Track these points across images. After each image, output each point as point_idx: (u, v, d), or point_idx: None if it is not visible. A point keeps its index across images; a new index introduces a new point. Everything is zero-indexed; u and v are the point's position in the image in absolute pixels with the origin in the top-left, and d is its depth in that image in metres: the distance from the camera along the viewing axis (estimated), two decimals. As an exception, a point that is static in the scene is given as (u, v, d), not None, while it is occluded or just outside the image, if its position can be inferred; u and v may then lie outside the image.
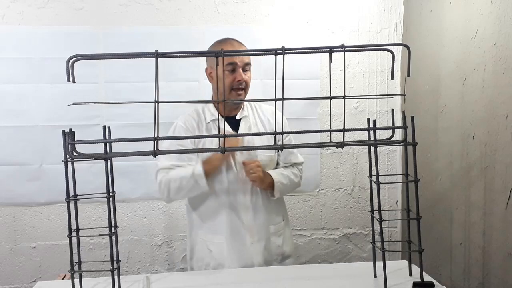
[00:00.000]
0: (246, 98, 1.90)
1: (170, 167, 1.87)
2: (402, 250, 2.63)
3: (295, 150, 2.02)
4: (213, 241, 1.90)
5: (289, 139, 1.98)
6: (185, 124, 1.91)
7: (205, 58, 1.60)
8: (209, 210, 1.90)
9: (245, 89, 1.86)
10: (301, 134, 1.66)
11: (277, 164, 2.01)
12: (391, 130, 1.54)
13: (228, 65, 1.81)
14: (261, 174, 1.86)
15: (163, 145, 1.77)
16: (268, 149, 1.47)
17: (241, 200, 1.89)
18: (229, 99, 1.84)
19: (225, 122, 1.88)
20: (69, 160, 1.35)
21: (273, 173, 1.92)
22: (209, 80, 1.93)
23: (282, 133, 1.37)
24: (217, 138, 1.81)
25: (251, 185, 1.88)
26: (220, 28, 2.55)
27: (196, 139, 1.86)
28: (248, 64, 1.87)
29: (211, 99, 1.98)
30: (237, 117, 1.92)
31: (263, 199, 1.92)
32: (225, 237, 1.88)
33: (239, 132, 1.88)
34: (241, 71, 1.83)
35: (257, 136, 1.89)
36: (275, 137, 1.43)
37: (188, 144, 1.84)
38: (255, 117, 1.97)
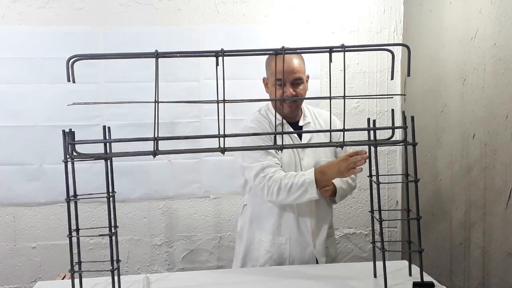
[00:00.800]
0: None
1: (273, 165, 1.82)
2: (402, 250, 2.63)
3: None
4: (275, 243, 1.89)
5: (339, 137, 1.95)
6: (257, 125, 1.88)
7: (206, 58, 1.57)
8: (272, 211, 1.89)
9: (296, 101, 1.85)
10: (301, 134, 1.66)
11: None
12: (391, 130, 1.54)
13: (277, 80, 1.80)
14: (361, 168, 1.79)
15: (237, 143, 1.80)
16: (269, 149, 1.47)
17: (308, 207, 1.88)
18: (281, 111, 1.82)
19: (291, 128, 1.91)
20: (69, 160, 1.35)
21: (335, 180, 1.88)
22: (266, 90, 1.93)
23: (282, 133, 1.37)
24: (265, 134, 1.82)
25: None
26: (220, 28, 2.56)
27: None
28: (299, 78, 1.82)
29: (271, 107, 1.95)
30: (300, 124, 1.93)
31: (324, 204, 1.92)
32: (289, 239, 1.88)
33: (303, 139, 1.89)
34: (288, 85, 1.80)
35: (318, 138, 1.90)
36: (330, 135, 1.42)
37: (261, 142, 1.82)
38: (315, 122, 1.97)
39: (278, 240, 1.90)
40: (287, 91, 1.80)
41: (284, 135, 1.79)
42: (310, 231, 1.89)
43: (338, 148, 1.92)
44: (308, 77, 1.91)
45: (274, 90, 1.83)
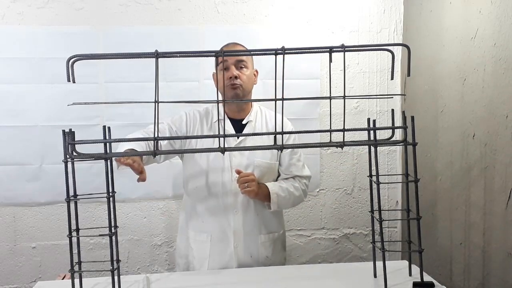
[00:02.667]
0: (250, 98, 1.90)
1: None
2: (402, 250, 2.63)
3: (300, 162, 1.97)
4: (196, 239, 1.90)
5: (293, 141, 1.93)
6: (187, 115, 1.93)
7: (205, 58, 1.59)
8: (200, 209, 1.90)
9: (242, 85, 1.83)
10: (301, 134, 1.66)
11: (278, 175, 1.97)
12: (391, 130, 1.54)
13: (220, 64, 1.81)
14: (256, 188, 1.81)
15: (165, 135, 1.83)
16: (269, 149, 1.46)
17: (233, 202, 1.87)
18: (226, 97, 1.81)
19: (230, 124, 1.88)
20: (69, 160, 1.35)
21: (270, 185, 1.88)
22: (215, 85, 1.87)
23: (282, 133, 1.37)
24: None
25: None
26: (220, 28, 2.56)
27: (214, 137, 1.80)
28: (242, 61, 1.84)
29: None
30: (244, 121, 1.91)
31: (257, 207, 1.90)
32: (210, 236, 1.88)
33: (244, 135, 1.87)
34: (233, 67, 1.81)
35: (260, 140, 1.87)
36: (275, 137, 1.42)
37: (165, 133, 1.86)
38: (262, 123, 1.94)
39: (200, 236, 1.89)
40: (230, 72, 1.80)
41: (220, 128, 1.81)
42: (232, 230, 1.87)
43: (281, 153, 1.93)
44: (257, 71, 1.93)
45: (219, 78, 1.79)
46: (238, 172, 1.82)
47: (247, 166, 1.87)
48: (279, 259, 1.98)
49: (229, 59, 1.80)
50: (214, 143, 1.81)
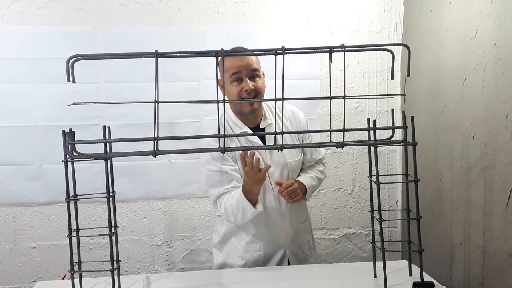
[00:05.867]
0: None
1: (224, 191, 1.79)
2: (402, 250, 2.63)
3: (323, 152, 2.02)
4: (248, 250, 1.87)
5: (310, 139, 1.95)
6: (217, 142, 1.81)
7: (206, 58, 1.56)
8: (245, 224, 1.85)
9: (257, 96, 1.75)
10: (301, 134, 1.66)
11: (303, 163, 1.97)
12: (391, 130, 1.54)
13: (232, 75, 1.73)
14: (301, 195, 1.83)
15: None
16: (269, 149, 1.46)
17: (276, 208, 1.86)
18: (241, 109, 1.79)
19: (254, 134, 1.83)
20: (69, 160, 1.35)
21: (304, 180, 1.88)
22: (221, 91, 1.68)
23: (282, 133, 1.37)
24: (243, 141, 1.81)
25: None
26: (220, 28, 2.56)
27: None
28: (255, 70, 1.75)
29: (230, 110, 1.88)
30: (261, 126, 1.86)
31: (294, 204, 1.91)
32: (263, 246, 1.87)
33: (267, 141, 1.82)
34: (247, 79, 1.73)
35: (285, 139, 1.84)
36: (275, 137, 1.42)
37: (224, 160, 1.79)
38: (278, 123, 1.87)
39: (252, 247, 1.88)
40: (245, 86, 1.72)
41: (247, 142, 1.80)
42: (284, 233, 1.88)
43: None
44: (264, 74, 1.82)
45: (230, 89, 1.73)
46: (279, 183, 1.80)
47: (284, 167, 1.85)
48: (314, 243, 2.05)
49: (243, 70, 1.72)
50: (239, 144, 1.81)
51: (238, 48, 1.75)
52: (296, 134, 1.90)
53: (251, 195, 1.71)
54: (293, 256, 1.91)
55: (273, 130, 1.83)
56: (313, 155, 1.97)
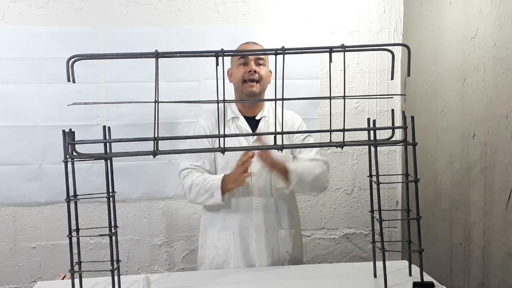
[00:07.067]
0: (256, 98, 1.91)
1: (190, 167, 1.89)
2: (402, 250, 2.63)
3: (315, 149, 1.93)
4: (220, 238, 1.90)
5: (307, 140, 1.96)
6: (205, 122, 1.94)
7: (206, 58, 1.56)
8: (221, 208, 1.91)
9: (259, 82, 1.87)
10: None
11: None
12: (391, 130, 1.54)
13: (240, 59, 1.88)
14: (269, 155, 1.80)
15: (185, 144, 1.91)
16: (269, 149, 1.47)
17: (253, 200, 1.90)
18: (242, 91, 1.88)
19: (245, 121, 1.93)
20: (69, 160, 1.35)
21: (286, 161, 1.85)
22: (229, 80, 1.95)
23: (282, 133, 1.37)
24: (232, 127, 1.91)
25: (265, 187, 1.89)
26: (220, 28, 2.56)
27: (213, 138, 1.86)
28: (261, 59, 1.89)
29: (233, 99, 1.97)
30: (257, 117, 1.94)
31: (276, 203, 1.92)
32: (233, 233, 1.89)
33: (258, 130, 1.91)
34: (252, 63, 1.86)
35: (270, 137, 1.82)
36: (275, 137, 1.42)
37: (205, 143, 1.87)
38: (272, 118, 1.96)
39: (224, 234, 1.90)
40: (249, 67, 1.86)
41: (236, 128, 1.90)
42: (254, 225, 1.89)
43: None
44: (271, 72, 1.95)
45: (236, 71, 1.89)
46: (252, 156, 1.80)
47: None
48: (298, 255, 2.00)
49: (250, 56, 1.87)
50: (231, 141, 1.85)
51: (251, 43, 1.94)
52: (286, 135, 1.90)
53: (226, 188, 1.81)
54: (264, 258, 1.88)
55: (267, 122, 1.94)
56: (307, 156, 1.92)
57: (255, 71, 1.86)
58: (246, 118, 1.94)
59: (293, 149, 1.95)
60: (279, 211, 1.93)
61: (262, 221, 1.89)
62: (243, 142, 1.90)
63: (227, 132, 1.84)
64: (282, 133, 1.38)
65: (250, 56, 1.86)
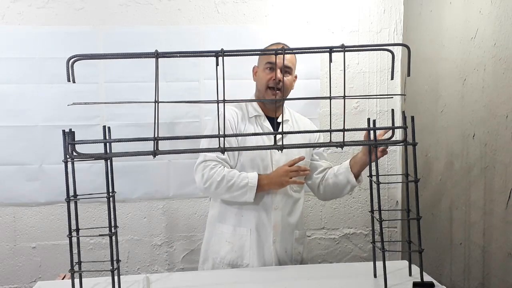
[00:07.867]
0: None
1: (217, 159, 1.88)
2: (402, 250, 2.63)
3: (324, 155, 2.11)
4: (236, 234, 1.91)
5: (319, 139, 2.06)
6: (231, 115, 1.93)
7: (206, 58, 1.58)
8: (240, 205, 1.91)
9: (282, 91, 1.87)
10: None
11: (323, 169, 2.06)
12: (391, 130, 1.54)
13: (267, 63, 1.89)
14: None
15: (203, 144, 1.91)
16: (269, 149, 1.47)
17: (274, 200, 1.92)
18: (264, 97, 1.91)
19: (268, 121, 1.96)
20: (69, 160, 1.35)
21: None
22: (253, 78, 2.00)
23: (282, 133, 1.38)
24: (255, 124, 1.94)
25: (285, 187, 1.91)
26: (220, 28, 2.56)
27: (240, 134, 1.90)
28: (289, 67, 1.90)
29: (253, 97, 2.04)
30: (279, 120, 1.95)
31: (293, 204, 1.96)
32: (250, 230, 1.90)
33: (277, 137, 1.91)
34: (279, 71, 1.86)
35: (295, 139, 1.92)
36: (274, 138, 1.43)
37: (232, 139, 1.88)
38: (293, 123, 2.03)
39: (240, 231, 1.91)
40: (275, 75, 1.87)
41: (259, 127, 1.93)
42: (272, 224, 1.90)
43: (315, 149, 2.04)
44: (296, 77, 1.99)
45: (262, 75, 1.91)
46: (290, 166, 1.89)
47: (286, 162, 1.91)
48: (306, 256, 2.06)
49: (278, 60, 1.82)
50: (260, 140, 1.91)
51: (279, 44, 1.95)
52: (305, 140, 1.99)
53: (262, 187, 1.85)
54: (278, 257, 1.92)
55: (288, 127, 2.00)
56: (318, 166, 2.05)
57: (279, 80, 1.86)
58: (269, 118, 1.98)
59: (311, 155, 2.04)
60: (295, 212, 1.97)
61: (280, 221, 1.92)
62: (267, 141, 1.93)
63: (250, 130, 1.92)
64: (282, 133, 1.38)
65: (278, 63, 1.82)
